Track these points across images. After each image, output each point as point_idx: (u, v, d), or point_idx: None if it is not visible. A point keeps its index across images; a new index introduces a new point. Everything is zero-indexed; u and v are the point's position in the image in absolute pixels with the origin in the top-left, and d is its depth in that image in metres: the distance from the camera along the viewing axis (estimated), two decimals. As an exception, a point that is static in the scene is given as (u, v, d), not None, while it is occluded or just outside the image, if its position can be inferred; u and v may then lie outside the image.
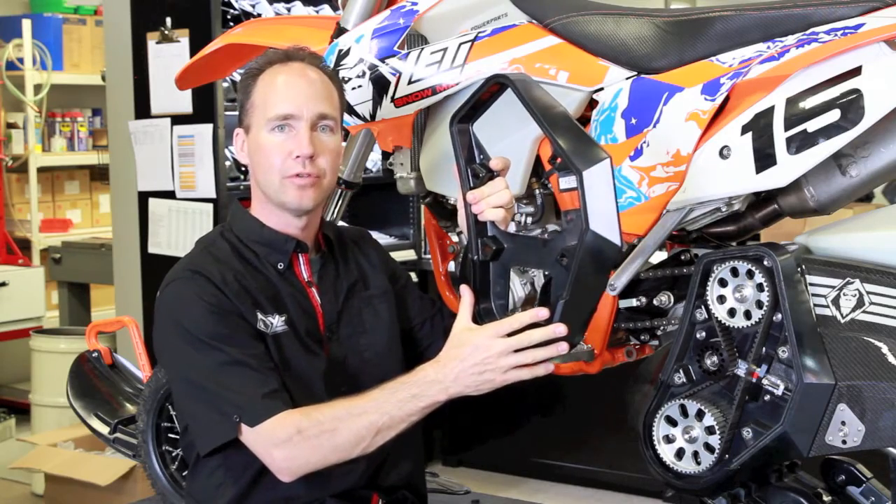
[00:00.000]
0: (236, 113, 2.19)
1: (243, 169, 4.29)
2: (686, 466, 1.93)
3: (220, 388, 1.98)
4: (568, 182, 1.85)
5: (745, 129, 1.91)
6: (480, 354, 1.86)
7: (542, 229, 2.16)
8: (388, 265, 2.30)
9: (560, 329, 1.84)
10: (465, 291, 1.96)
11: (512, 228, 2.06)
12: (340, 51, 2.35)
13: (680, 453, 1.94)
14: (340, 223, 2.56)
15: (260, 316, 2.05)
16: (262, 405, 1.96)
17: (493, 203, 1.94)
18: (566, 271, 1.86)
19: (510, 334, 1.87)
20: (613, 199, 1.81)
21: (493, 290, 2.01)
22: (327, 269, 2.18)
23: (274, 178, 2.07)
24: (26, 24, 5.63)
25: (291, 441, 1.94)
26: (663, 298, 2.07)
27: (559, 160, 1.86)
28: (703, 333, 1.95)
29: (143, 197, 4.26)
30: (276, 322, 2.06)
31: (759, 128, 1.89)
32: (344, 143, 2.68)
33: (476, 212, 1.96)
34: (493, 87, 1.97)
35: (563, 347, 1.86)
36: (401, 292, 2.27)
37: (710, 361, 1.95)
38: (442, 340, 2.16)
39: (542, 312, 1.86)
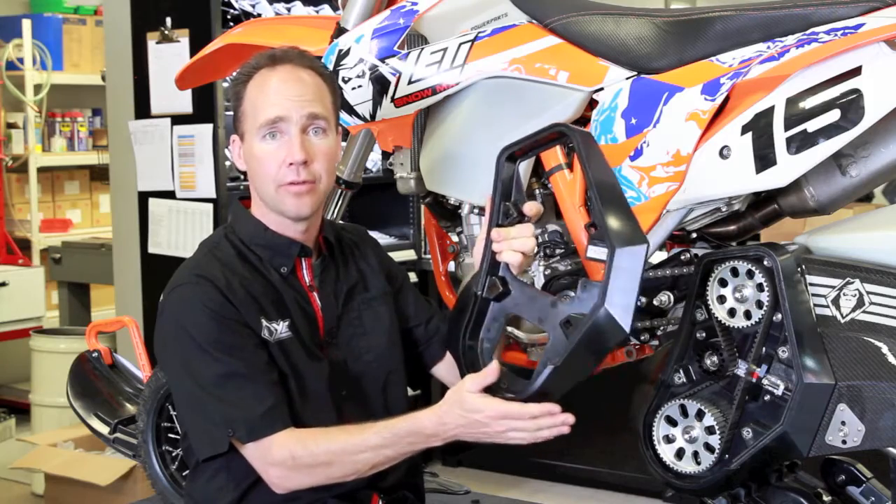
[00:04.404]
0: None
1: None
2: (686, 466, 1.94)
3: (217, 401, 1.99)
4: (596, 252, 1.82)
5: (745, 129, 1.91)
6: (482, 427, 1.87)
7: (553, 286, 2.13)
8: (385, 265, 2.28)
9: (569, 420, 1.83)
10: (494, 366, 1.89)
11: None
12: (340, 51, 2.35)
13: (680, 453, 1.94)
14: (339, 223, 2.55)
15: (265, 323, 2.04)
16: (259, 422, 1.97)
17: (515, 247, 1.91)
18: (565, 338, 1.82)
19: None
20: (637, 286, 1.75)
21: (484, 329, 1.98)
22: (328, 272, 2.17)
23: (270, 187, 2.06)
24: (26, 24, 5.62)
25: (285, 464, 1.97)
26: (663, 298, 2.07)
27: (595, 229, 1.85)
28: (703, 333, 1.96)
29: (143, 197, 4.26)
30: (281, 328, 2.05)
31: (759, 128, 1.89)
32: (344, 143, 2.69)
33: (496, 250, 1.93)
34: (553, 136, 1.93)
35: (566, 430, 1.85)
36: (398, 292, 2.27)
37: (710, 361, 1.95)
38: (437, 345, 2.22)
39: (553, 409, 1.83)
